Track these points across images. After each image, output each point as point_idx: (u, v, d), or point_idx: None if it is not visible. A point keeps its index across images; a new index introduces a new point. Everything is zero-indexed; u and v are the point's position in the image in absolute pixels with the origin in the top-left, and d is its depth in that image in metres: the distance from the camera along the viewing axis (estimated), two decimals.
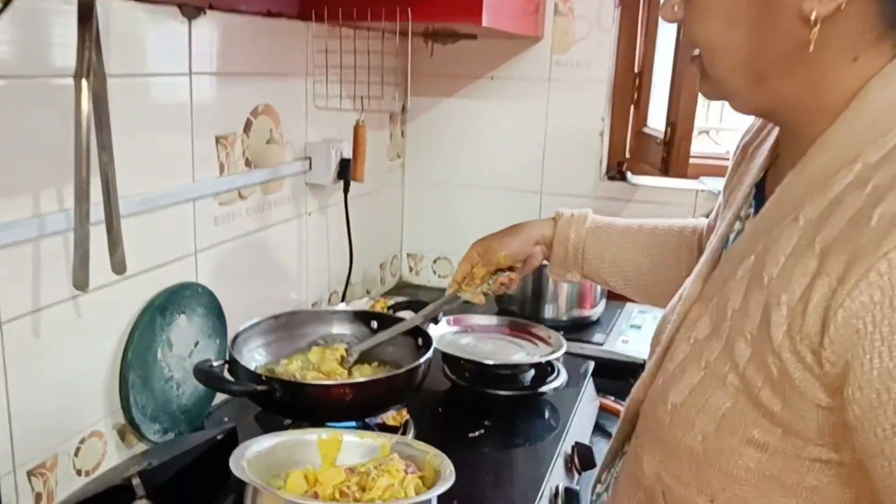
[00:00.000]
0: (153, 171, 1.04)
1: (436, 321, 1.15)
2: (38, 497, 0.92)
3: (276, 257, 1.39)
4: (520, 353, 1.27)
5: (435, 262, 1.96)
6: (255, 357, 1.10)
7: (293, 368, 1.08)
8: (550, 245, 1.00)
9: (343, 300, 1.63)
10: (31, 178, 0.86)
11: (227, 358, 1.02)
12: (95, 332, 0.98)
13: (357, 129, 1.42)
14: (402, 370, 0.98)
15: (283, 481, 0.75)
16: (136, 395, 1.03)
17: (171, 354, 1.10)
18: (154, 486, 0.86)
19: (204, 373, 0.95)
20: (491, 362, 1.22)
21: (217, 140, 1.17)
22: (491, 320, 1.39)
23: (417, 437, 1.03)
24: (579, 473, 1.12)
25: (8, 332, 0.85)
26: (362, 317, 1.19)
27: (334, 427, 0.83)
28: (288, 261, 1.44)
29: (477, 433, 1.09)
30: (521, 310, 1.60)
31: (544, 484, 0.96)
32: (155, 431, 1.08)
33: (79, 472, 0.98)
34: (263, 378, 0.96)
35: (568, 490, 1.01)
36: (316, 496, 0.72)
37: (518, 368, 1.24)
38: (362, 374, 1.08)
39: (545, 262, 1.03)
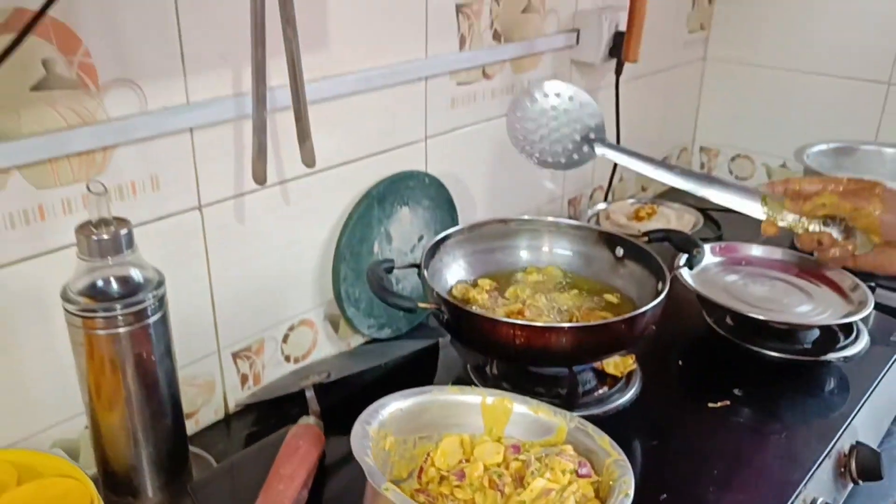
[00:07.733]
0: (378, 45, 0.92)
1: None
2: (243, 378, 0.92)
3: None
4: (805, 305, 0.96)
5: (733, 160, 1.63)
6: (455, 270, 0.94)
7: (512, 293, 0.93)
8: None
9: (605, 199, 1.42)
10: (231, 52, 0.78)
11: (420, 262, 0.87)
12: (304, 221, 0.92)
13: None
14: (616, 319, 0.76)
15: (436, 444, 0.63)
16: (349, 287, 0.97)
17: (391, 248, 1.02)
18: (330, 401, 0.80)
19: (373, 273, 0.81)
20: (759, 316, 0.91)
21: (458, 8, 1.01)
22: (774, 253, 1.06)
23: (644, 395, 0.84)
24: (855, 484, 0.84)
25: (209, 215, 0.81)
26: (607, 240, 0.95)
27: (503, 394, 0.67)
28: None
29: (719, 404, 0.85)
30: None
31: (795, 496, 0.72)
32: (370, 326, 1.03)
33: (287, 359, 0.96)
34: (436, 295, 0.79)
35: None
36: (462, 475, 0.59)
37: (799, 327, 0.94)
38: (565, 303, 0.89)
39: None
